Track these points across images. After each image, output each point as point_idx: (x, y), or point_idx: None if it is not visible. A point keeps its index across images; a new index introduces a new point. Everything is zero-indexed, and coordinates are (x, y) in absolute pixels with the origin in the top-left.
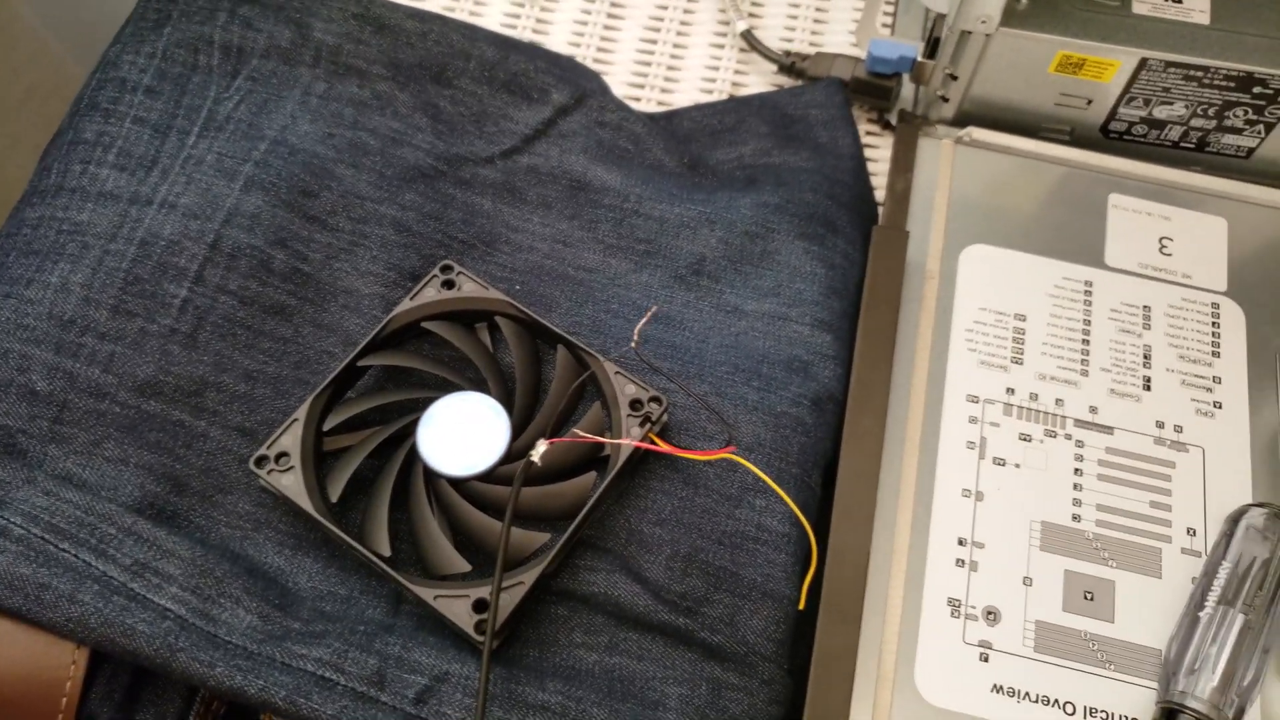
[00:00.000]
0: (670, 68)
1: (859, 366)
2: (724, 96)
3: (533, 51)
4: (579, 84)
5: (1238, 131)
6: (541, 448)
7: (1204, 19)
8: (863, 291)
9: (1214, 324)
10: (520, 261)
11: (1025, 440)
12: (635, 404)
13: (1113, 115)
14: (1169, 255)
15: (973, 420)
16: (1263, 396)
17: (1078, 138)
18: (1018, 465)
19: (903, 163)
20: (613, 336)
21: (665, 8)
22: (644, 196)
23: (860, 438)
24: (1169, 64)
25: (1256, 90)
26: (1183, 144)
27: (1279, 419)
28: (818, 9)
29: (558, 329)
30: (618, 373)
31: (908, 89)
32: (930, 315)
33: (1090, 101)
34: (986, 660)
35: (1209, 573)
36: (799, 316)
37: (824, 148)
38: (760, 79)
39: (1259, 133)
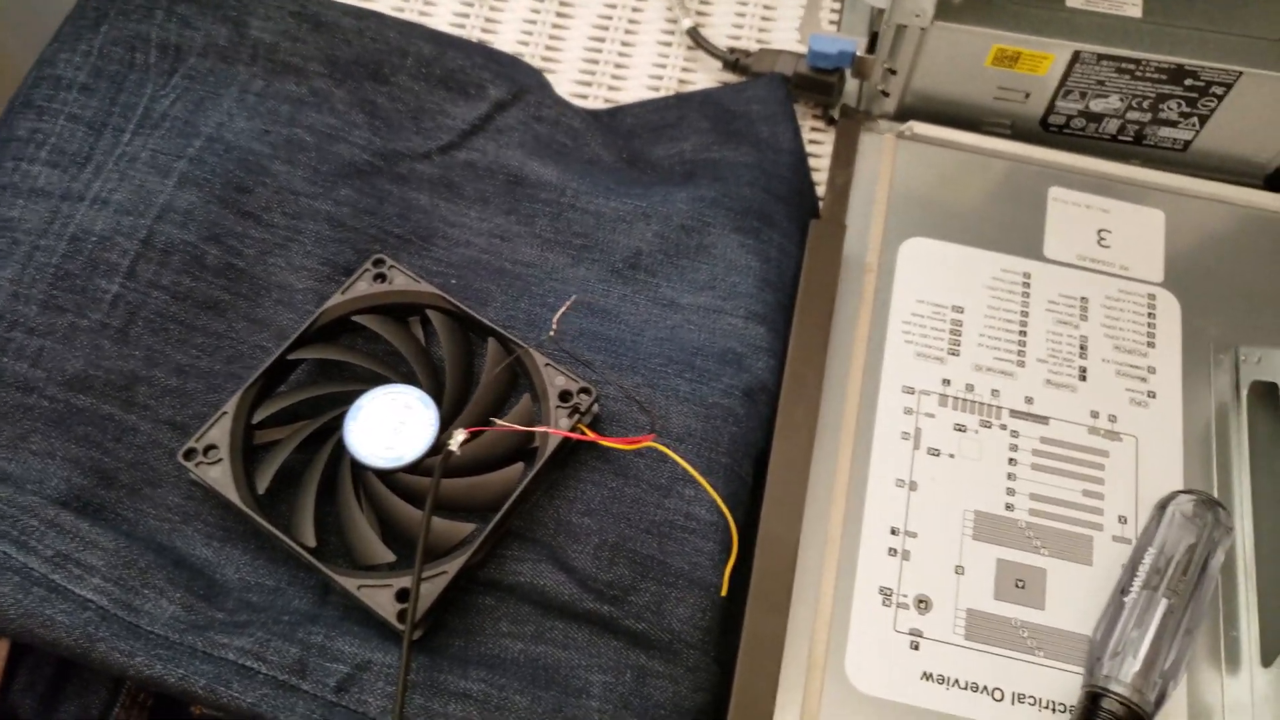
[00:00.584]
0: (618, 65)
1: (793, 358)
2: (670, 93)
3: (470, 48)
4: (516, 80)
5: (1173, 124)
6: (460, 438)
7: (1136, 12)
8: (799, 284)
9: (1150, 315)
10: (456, 256)
11: (960, 430)
12: (564, 395)
13: (1051, 109)
14: (1107, 247)
15: (908, 411)
16: (1196, 386)
17: (1018, 131)
18: (952, 455)
19: (844, 157)
20: (548, 330)
21: (613, 6)
22: (581, 191)
23: (792, 428)
24: (1101, 57)
25: (1188, 82)
26: (1120, 137)
27: (1211, 408)
28: (765, 6)
29: (488, 321)
30: (547, 364)
31: (851, 84)
32: (868, 308)
33: (1028, 95)
34: (917, 648)
35: (1135, 559)
36: (733, 309)
37: (764, 143)
38: (707, 76)
39: (1193, 125)
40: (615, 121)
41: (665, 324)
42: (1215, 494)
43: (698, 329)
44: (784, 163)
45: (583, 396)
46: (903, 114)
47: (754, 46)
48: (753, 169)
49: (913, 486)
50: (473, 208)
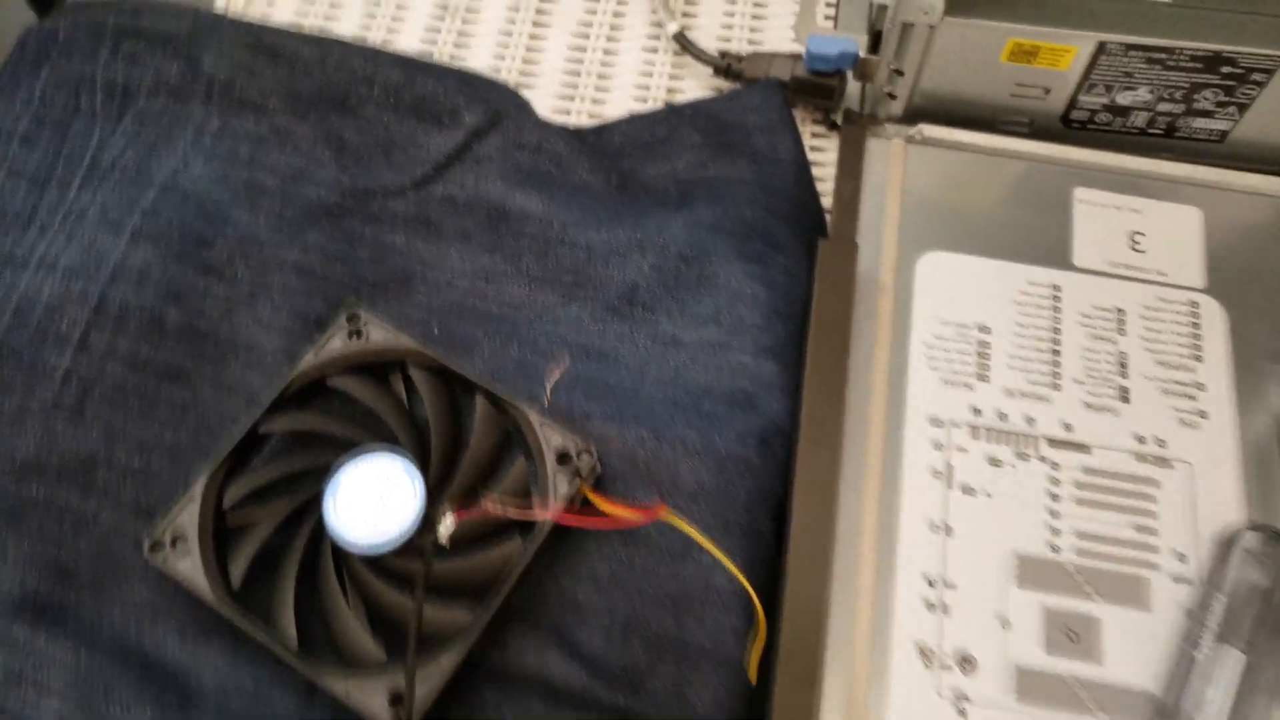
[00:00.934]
0: (601, 76)
1: (809, 395)
2: (659, 104)
3: (441, 72)
4: (493, 103)
5: (1208, 114)
6: (448, 525)
7: None
8: (810, 311)
9: (1194, 324)
10: (438, 301)
11: (995, 465)
12: (563, 457)
13: (1073, 104)
14: (1142, 252)
15: (937, 446)
16: (1251, 401)
17: (1038, 129)
18: (988, 493)
19: (850, 166)
20: (540, 379)
21: (593, 13)
22: (569, 222)
23: (813, 475)
24: (1129, 47)
25: (1225, 70)
26: (1150, 130)
27: (1271, 426)
28: (755, 4)
29: (475, 376)
30: (543, 423)
31: (854, 86)
32: (886, 332)
33: (1048, 90)
34: (964, 714)
35: (1203, 605)
36: (741, 344)
37: (762, 156)
38: (697, 83)
39: (1232, 115)
40: (602, 141)
41: (668, 364)
42: None
43: (704, 368)
44: (786, 177)
45: (584, 458)
46: (911, 115)
47: (746, 49)
48: (752, 186)
49: (947, 530)
50: (453, 247)
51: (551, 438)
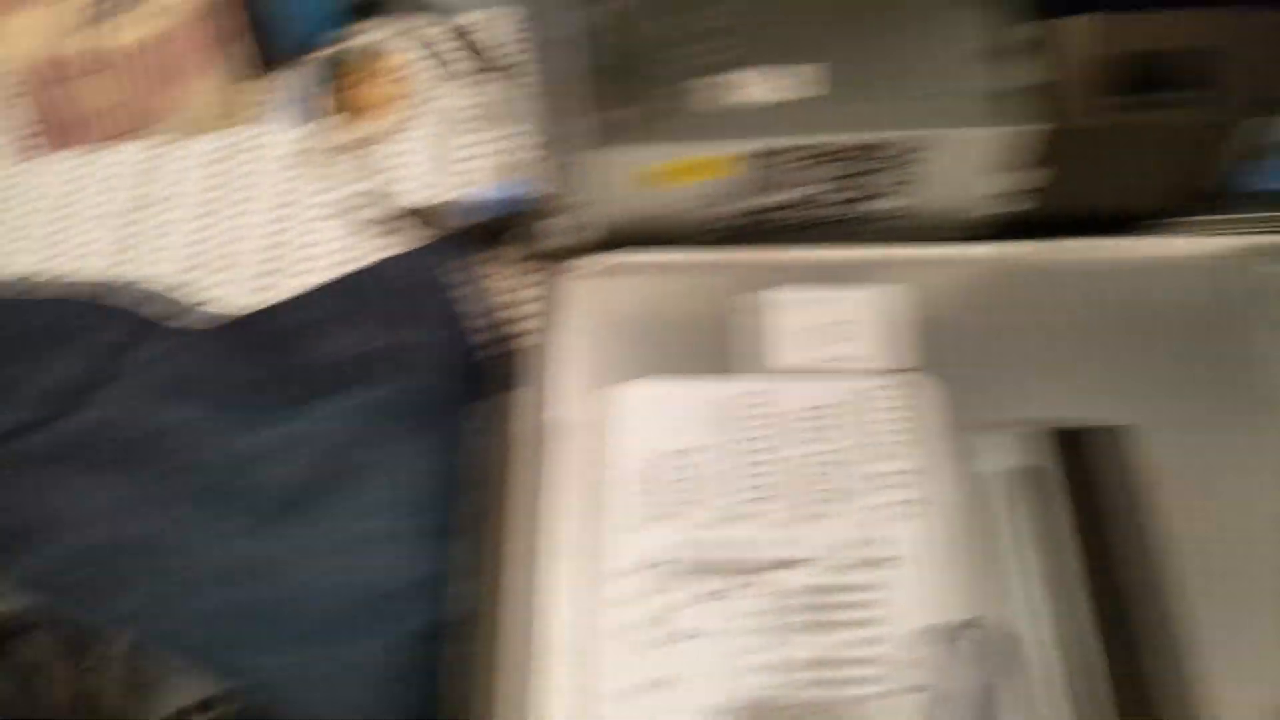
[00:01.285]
0: (304, 246)
1: (497, 569)
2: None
3: (63, 303)
4: (130, 317)
5: (885, 196)
6: None
7: (817, 91)
8: (491, 478)
9: (906, 408)
10: (70, 550)
11: (712, 600)
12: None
13: (754, 207)
14: (846, 341)
15: (647, 592)
16: (968, 479)
17: (725, 236)
18: (709, 635)
19: (534, 308)
20: (187, 618)
21: (293, 190)
22: (220, 430)
23: (501, 663)
24: (789, 149)
25: (881, 155)
26: (840, 218)
27: (990, 505)
28: (460, 154)
29: (101, 636)
30: (174, 683)
31: (544, 224)
32: (582, 479)
33: (727, 198)
34: None
35: (936, 714)
36: (418, 529)
37: (434, 320)
38: (399, 241)
39: (908, 192)
40: (271, 326)
41: (334, 569)
42: (1006, 605)
43: (375, 565)
44: (457, 339)
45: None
46: (601, 245)
47: (447, 197)
48: (422, 353)
49: (662, 687)
50: (91, 480)
51: (176, 699)
